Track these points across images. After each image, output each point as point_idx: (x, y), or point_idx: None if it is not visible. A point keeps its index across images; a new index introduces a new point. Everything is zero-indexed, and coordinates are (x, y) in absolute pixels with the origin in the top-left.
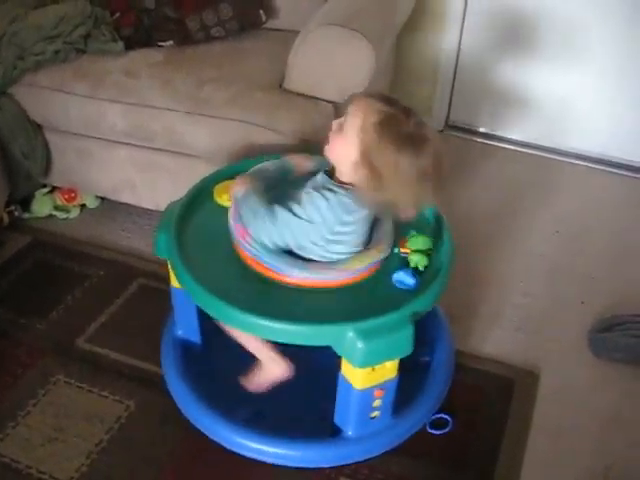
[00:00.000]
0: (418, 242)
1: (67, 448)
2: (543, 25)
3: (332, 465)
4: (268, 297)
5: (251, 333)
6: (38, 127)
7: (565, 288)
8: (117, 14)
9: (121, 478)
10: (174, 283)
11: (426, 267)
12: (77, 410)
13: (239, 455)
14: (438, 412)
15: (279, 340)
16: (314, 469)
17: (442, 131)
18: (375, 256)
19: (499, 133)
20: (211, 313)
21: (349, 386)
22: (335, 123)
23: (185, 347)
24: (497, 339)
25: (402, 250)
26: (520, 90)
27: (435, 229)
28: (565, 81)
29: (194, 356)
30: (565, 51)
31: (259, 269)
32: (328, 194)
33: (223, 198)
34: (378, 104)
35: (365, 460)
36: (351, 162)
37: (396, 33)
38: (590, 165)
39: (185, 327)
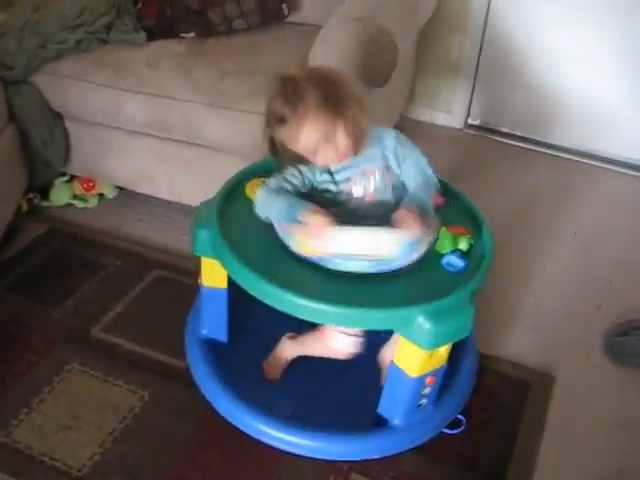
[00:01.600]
0: (456, 227)
1: (80, 436)
2: (570, 24)
3: (380, 456)
4: (332, 285)
5: (324, 322)
6: (58, 116)
7: (582, 291)
8: (140, 5)
9: (134, 467)
10: (207, 282)
11: (468, 251)
12: (91, 399)
13: (254, 445)
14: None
15: (351, 326)
16: (328, 462)
17: (461, 129)
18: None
19: (520, 133)
20: (281, 307)
21: (402, 375)
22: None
23: (213, 346)
24: (513, 340)
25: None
26: (542, 90)
27: (468, 218)
28: (592, 82)
29: (223, 355)
30: (592, 50)
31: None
32: None
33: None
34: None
35: (380, 457)
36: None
37: (418, 30)
38: (612, 168)
39: (212, 327)
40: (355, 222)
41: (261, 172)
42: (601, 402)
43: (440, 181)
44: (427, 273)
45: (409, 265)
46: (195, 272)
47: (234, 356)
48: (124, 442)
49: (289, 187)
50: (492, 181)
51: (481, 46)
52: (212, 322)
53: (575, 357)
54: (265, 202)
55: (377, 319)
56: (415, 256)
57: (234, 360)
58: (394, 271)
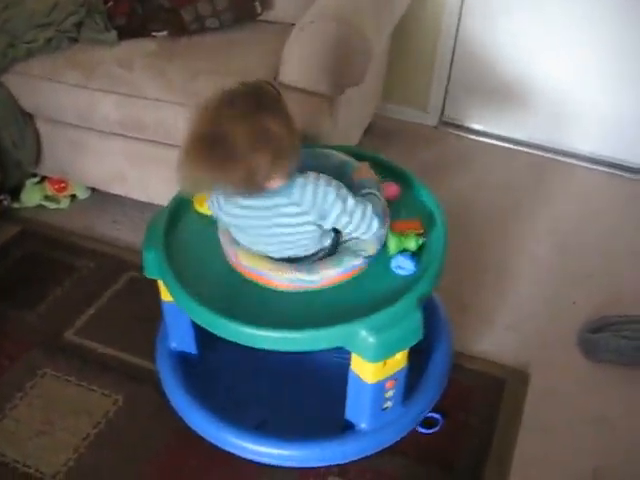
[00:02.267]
0: (411, 222)
1: (54, 442)
2: (541, 22)
3: (349, 460)
4: (270, 306)
5: (259, 346)
6: (29, 116)
7: (557, 288)
8: (110, 3)
9: (108, 472)
10: (165, 297)
11: (420, 248)
12: (65, 404)
13: (227, 454)
14: (428, 411)
15: (296, 349)
16: (303, 468)
17: (436, 127)
18: (357, 259)
19: (494, 131)
20: (214, 331)
21: (360, 381)
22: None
23: (182, 359)
24: (488, 337)
25: (397, 232)
26: (516, 88)
27: (424, 211)
28: (565, 79)
29: (192, 368)
30: (566, 47)
31: (256, 278)
32: None
33: (204, 207)
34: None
35: (358, 459)
36: None
37: (392, 28)
38: (586, 165)
39: (179, 340)
40: None
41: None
42: (577, 399)
43: (401, 172)
44: (375, 279)
45: (360, 271)
46: None
47: (204, 368)
48: (98, 447)
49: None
50: (466, 178)
51: (455, 44)
52: (178, 336)
53: (550, 354)
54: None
55: (320, 339)
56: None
57: (204, 372)
58: (343, 282)
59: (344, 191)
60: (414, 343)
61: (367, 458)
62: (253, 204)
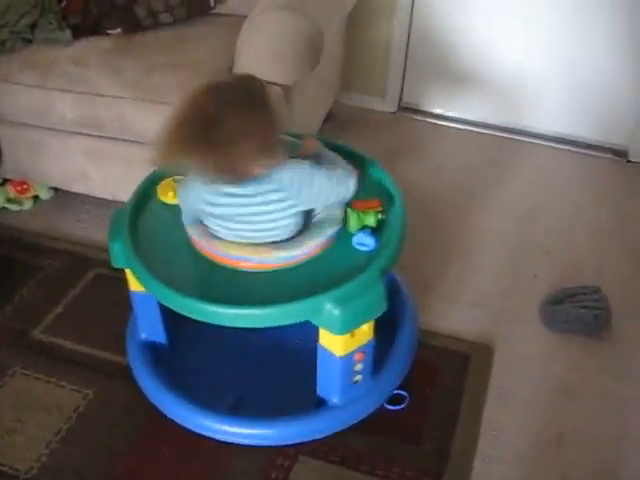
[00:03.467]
0: (370, 201)
1: (26, 439)
2: (496, 3)
3: (323, 435)
4: (236, 286)
5: (230, 324)
6: None
7: (518, 263)
8: (64, 2)
9: (82, 466)
10: (134, 287)
11: (379, 224)
12: (35, 401)
13: (202, 438)
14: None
15: (259, 326)
16: (274, 448)
17: (395, 113)
18: (334, 227)
19: (453, 114)
20: (185, 313)
21: (329, 355)
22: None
23: (152, 349)
24: (451, 315)
25: (355, 209)
26: (473, 70)
27: (383, 192)
28: (520, 58)
29: (163, 357)
30: (521, 27)
31: (220, 260)
32: None
33: (168, 196)
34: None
35: (323, 437)
36: None
37: (345, 15)
38: (545, 143)
39: (149, 330)
40: None
41: (172, 173)
42: (540, 370)
43: (358, 155)
44: (338, 256)
45: (322, 250)
46: None
47: (174, 356)
48: (71, 442)
49: None
50: (427, 162)
51: (409, 29)
52: (148, 325)
53: (513, 328)
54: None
55: (285, 314)
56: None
57: (174, 360)
58: (306, 260)
59: (324, 170)
60: (378, 314)
61: (335, 436)
62: (237, 192)
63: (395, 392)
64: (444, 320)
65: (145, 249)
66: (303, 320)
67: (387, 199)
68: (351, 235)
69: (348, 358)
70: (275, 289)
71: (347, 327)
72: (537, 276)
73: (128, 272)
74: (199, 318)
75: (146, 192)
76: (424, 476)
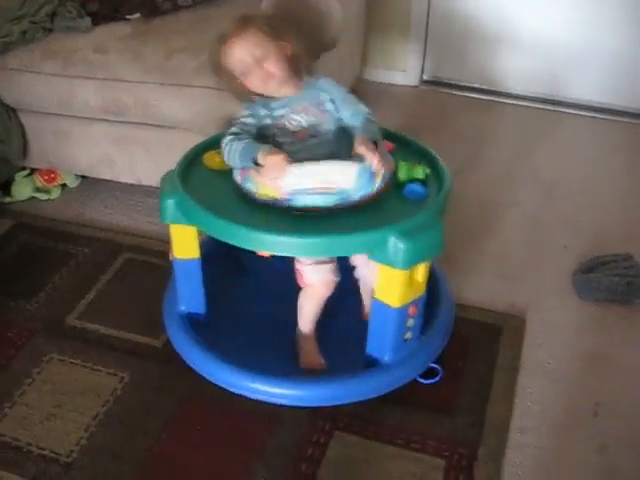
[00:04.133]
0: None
1: (65, 423)
2: None
3: (377, 394)
4: (299, 222)
5: (294, 254)
6: (12, 110)
7: (547, 234)
8: None
9: (121, 448)
10: (178, 254)
11: (426, 178)
12: (73, 386)
13: (238, 419)
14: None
15: (326, 254)
16: (310, 425)
17: (417, 87)
18: (387, 172)
19: (476, 85)
20: (256, 248)
21: (385, 308)
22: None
23: (193, 320)
24: (481, 287)
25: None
26: (494, 40)
27: (421, 157)
28: (544, 28)
29: (204, 326)
30: None
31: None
32: None
33: (215, 162)
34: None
35: (357, 411)
36: None
37: None
38: (570, 111)
39: (189, 300)
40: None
41: (218, 145)
42: (573, 339)
43: (387, 130)
44: (390, 203)
45: (371, 198)
46: (163, 252)
47: (215, 326)
48: (109, 425)
49: (248, 128)
50: (452, 134)
51: (430, 2)
52: (188, 295)
53: (544, 298)
54: (229, 151)
55: (350, 244)
56: (374, 186)
57: (216, 330)
58: (358, 205)
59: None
60: (438, 254)
61: (369, 411)
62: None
63: (428, 365)
64: (474, 292)
65: (199, 200)
66: (364, 253)
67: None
68: (401, 185)
69: (403, 310)
70: (336, 226)
71: (411, 261)
72: (567, 246)
73: (175, 233)
74: (267, 250)
75: (193, 160)
76: (460, 448)
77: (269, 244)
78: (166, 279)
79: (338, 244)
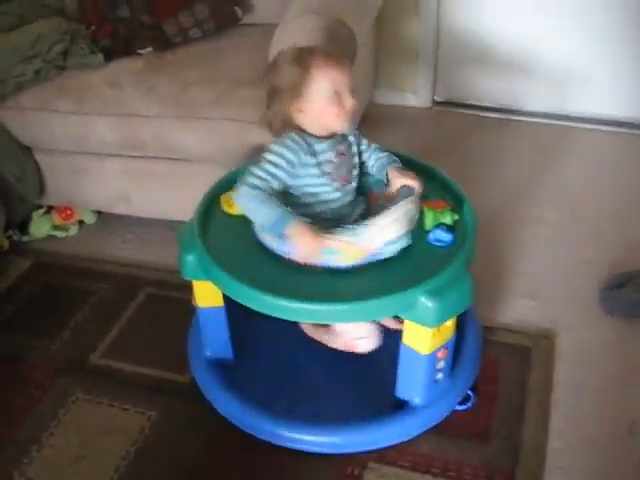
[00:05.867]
0: (437, 202)
1: (94, 465)
2: None
3: (408, 438)
4: (328, 284)
5: (331, 322)
6: (27, 149)
7: (571, 250)
8: (93, 27)
9: None
10: (202, 303)
11: (454, 223)
12: (100, 426)
13: (267, 454)
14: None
15: (357, 320)
16: (342, 457)
17: (431, 108)
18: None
19: (487, 104)
20: (285, 316)
21: (414, 354)
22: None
23: (220, 365)
24: (509, 309)
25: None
26: (505, 57)
27: (445, 191)
28: (556, 42)
29: (232, 373)
30: (553, 12)
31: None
32: None
33: (233, 207)
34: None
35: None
36: None
37: (374, 17)
38: (585, 126)
39: (215, 346)
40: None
41: (234, 182)
42: (604, 357)
43: (411, 159)
44: (417, 253)
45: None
46: (184, 285)
47: (242, 372)
48: (139, 464)
49: (274, 184)
50: (467, 153)
51: (438, 24)
52: (214, 342)
53: (572, 316)
54: (248, 209)
55: (380, 308)
56: (404, 242)
57: (243, 374)
58: (384, 260)
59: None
60: (467, 307)
61: (405, 441)
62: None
63: None
64: (502, 315)
65: (220, 258)
66: (394, 315)
67: (450, 200)
68: (426, 232)
69: (433, 355)
70: (361, 286)
71: (441, 319)
72: (592, 263)
73: (197, 286)
74: (291, 318)
75: (210, 204)
76: (496, 474)
77: (294, 312)
78: (189, 314)
79: (367, 310)
